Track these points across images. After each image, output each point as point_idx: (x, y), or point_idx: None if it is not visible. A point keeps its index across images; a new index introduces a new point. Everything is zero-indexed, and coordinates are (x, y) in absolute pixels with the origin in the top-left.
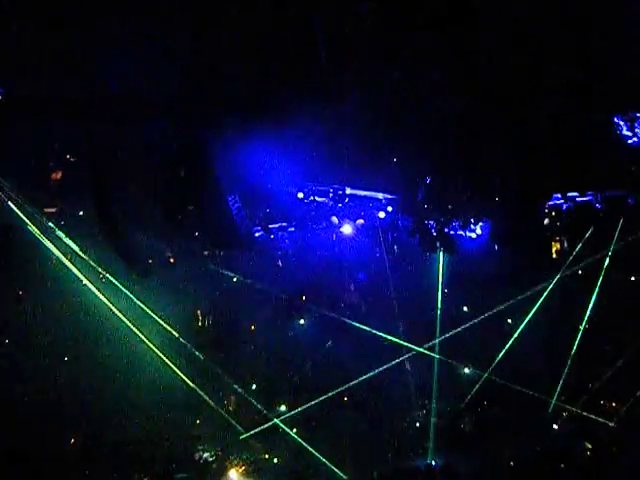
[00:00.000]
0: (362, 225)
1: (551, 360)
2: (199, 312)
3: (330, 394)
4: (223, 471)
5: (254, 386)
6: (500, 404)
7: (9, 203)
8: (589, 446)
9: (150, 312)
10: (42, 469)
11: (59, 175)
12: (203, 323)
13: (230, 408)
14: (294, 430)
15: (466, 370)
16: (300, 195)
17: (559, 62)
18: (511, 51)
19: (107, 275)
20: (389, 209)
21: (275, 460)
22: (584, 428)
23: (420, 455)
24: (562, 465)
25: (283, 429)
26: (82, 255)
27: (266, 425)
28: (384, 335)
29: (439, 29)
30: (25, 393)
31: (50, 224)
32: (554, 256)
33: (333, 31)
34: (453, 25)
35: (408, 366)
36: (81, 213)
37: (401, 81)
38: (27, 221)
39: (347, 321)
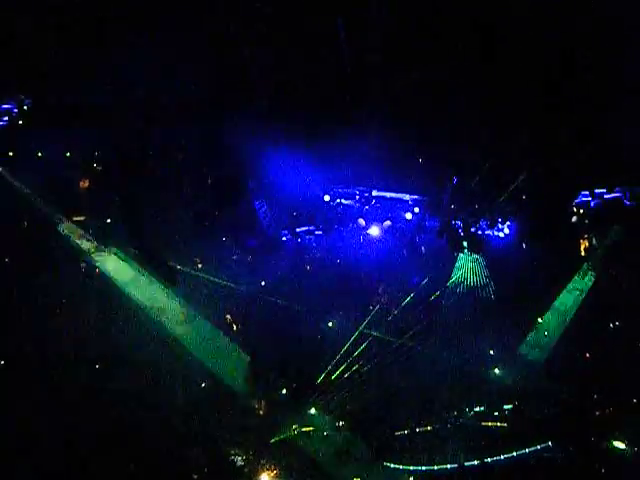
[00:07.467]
0: (389, 227)
1: (583, 360)
2: (228, 317)
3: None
4: (255, 475)
5: (284, 390)
6: (531, 405)
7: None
8: (622, 446)
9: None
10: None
11: (86, 184)
12: (231, 328)
13: (261, 412)
14: (324, 433)
15: (496, 371)
16: (326, 198)
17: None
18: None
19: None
20: (416, 210)
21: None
22: (618, 428)
23: (452, 456)
24: (596, 466)
25: (313, 432)
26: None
27: (296, 429)
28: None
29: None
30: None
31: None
32: (583, 254)
33: (356, 38)
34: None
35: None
36: (108, 221)
37: (422, 84)
38: (56, 230)
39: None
